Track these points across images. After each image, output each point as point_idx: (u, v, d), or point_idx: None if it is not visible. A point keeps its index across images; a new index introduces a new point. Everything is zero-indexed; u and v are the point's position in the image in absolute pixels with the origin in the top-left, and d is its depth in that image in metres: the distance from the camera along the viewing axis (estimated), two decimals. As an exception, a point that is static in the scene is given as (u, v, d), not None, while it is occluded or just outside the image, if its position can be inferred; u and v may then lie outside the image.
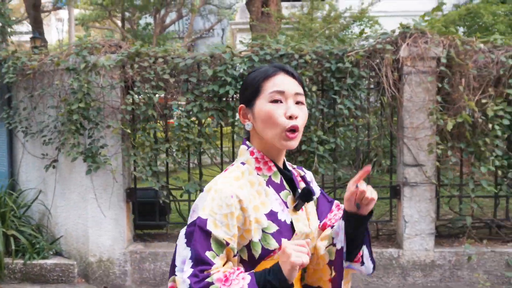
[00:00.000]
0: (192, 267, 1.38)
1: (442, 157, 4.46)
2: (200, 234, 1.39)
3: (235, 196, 1.41)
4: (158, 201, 4.62)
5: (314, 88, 4.38)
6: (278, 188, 1.52)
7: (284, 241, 1.40)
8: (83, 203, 4.69)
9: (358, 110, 4.43)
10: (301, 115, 1.48)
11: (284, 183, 1.54)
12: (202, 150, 4.47)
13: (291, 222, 1.49)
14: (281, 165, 1.57)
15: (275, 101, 1.46)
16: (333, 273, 1.56)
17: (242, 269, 1.43)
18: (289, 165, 1.64)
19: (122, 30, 25.67)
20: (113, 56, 4.44)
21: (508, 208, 4.72)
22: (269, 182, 1.51)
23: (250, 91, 1.51)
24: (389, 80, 4.35)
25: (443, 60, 4.27)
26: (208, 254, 1.38)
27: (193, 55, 4.46)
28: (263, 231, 1.44)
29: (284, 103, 1.46)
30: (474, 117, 4.29)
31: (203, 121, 4.48)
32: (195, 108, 4.37)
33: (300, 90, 1.51)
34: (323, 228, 1.65)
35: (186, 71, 4.46)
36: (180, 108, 4.41)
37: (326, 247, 1.58)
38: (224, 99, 4.50)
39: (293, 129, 1.45)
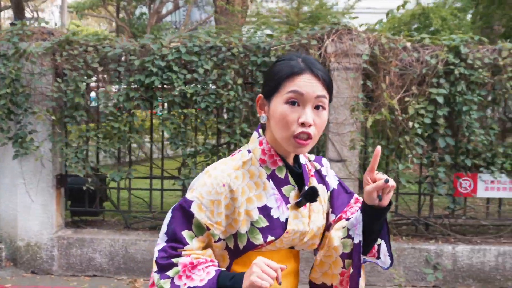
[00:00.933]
0: (165, 241, 1.39)
1: (362, 153, 4.51)
2: (181, 214, 1.40)
3: (227, 186, 1.40)
4: (91, 188, 4.68)
5: (239, 81, 4.43)
6: (280, 183, 1.47)
7: (259, 257, 1.31)
8: (14, 188, 4.76)
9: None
10: (318, 122, 1.40)
11: (289, 178, 1.49)
12: (127, 139, 4.51)
13: (286, 220, 1.45)
14: (290, 159, 1.51)
15: (292, 103, 1.38)
16: (351, 270, 1.51)
17: (215, 262, 1.41)
18: (305, 157, 1.59)
19: (117, 19, 25.68)
20: (44, 43, 4.49)
21: (432, 205, 4.78)
22: (271, 176, 1.47)
23: (270, 85, 1.44)
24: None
25: (365, 57, 4.31)
26: (185, 233, 1.38)
27: (122, 45, 4.51)
28: (252, 224, 1.42)
29: (301, 107, 1.38)
30: (395, 115, 4.33)
31: (132, 111, 4.53)
32: (121, 97, 4.42)
33: (323, 93, 1.40)
34: (338, 220, 1.60)
35: (116, 60, 4.51)
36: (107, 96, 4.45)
37: (340, 239, 1.53)
38: (152, 88, 4.55)
39: (303, 137, 1.38)
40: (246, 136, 4.45)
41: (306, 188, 1.48)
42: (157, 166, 4.86)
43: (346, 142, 4.48)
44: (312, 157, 1.65)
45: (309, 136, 1.38)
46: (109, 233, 4.84)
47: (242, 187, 1.42)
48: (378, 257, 1.52)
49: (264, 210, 1.43)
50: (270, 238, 1.42)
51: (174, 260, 1.36)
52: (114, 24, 26.26)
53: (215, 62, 4.43)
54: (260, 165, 1.47)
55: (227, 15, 8.06)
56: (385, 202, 1.42)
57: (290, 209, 1.47)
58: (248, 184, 1.44)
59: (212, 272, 1.35)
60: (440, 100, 4.32)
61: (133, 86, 4.50)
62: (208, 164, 4.48)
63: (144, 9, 27.20)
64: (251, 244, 1.42)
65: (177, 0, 26.23)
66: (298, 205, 1.47)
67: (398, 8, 7.69)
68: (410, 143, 4.34)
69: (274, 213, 1.44)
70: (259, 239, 1.42)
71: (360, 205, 1.55)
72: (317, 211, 1.54)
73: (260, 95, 1.49)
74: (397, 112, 4.30)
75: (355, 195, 1.66)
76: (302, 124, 1.37)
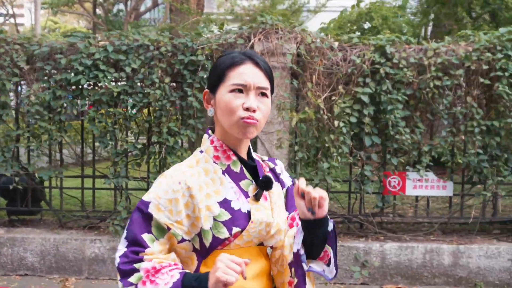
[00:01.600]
0: (126, 246, 1.37)
1: (290, 152, 4.54)
2: (139, 216, 1.39)
3: (183, 183, 1.40)
4: (19, 187, 4.65)
5: (167, 80, 4.42)
6: (237, 177, 1.49)
7: (222, 254, 1.33)
8: None
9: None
10: (262, 108, 1.45)
11: (245, 172, 1.51)
12: (54, 138, 4.48)
13: (249, 212, 1.46)
14: (243, 154, 1.54)
15: (236, 91, 1.43)
16: (295, 279, 1.51)
17: (179, 265, 1.40)
18: (256, 156, 1.62)
19: (92, 16, 25.48)
20: (-31, 41, 4.45)
21: (362, 204, 4.83)
22: (227, 171, 1.49)
23: (214, 77, 1.48)
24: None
25: (289, 57, 4.33)
26: (146, 236, 1.37)
27: (49, 43, 4.48)
28: (214, 219, 1.42)
29: (245, 94, 1.43)
30: (320, 114, 4.36)
31: (58, 109, 4.50)
32: (47, 96, 4.39)
33: (265, 84, 1.46)
34: (292, 220, 1.61)
35: (43, 58, 4.48)
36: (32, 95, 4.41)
37: (290, 246, 1.53)
38: (80, 87, 4.53)
39: (249, 122, 1.42)
40: (174, 135, 4.46)
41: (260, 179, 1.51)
42: (88, 165, 4.84)
43: (274, 141, 4.51)
44: (266, 157, 1.68)
45: (251, 122, 1.42)
46: (42, 232, 4.81)
47: (199, 184, 1.43)
48: (329, 263, 1.52)
49: (225, 203, 1.44)
50: (235, 229, 1.42)
51: (136, 265, 1.34)
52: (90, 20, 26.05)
53: (143, 61, 4.43)
54: (214, 162, 1.49)
55: (181, 14, 8.04)
56: (321, 214, 1.41)
57: (251, 202, 1.48)
58: (205, 181, 1.45)
59: (176, 275, 1.34)
60: (365, 99, 4.36)
61: (61, 85, 4.47)
62: (138, 164, 4.48)
63: (122, 6, 26.99)
64: (217, 240, 1.42)
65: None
66: (256, 197, 1.48)
67: (352, 7, 7.73)
68: (336, 142, 4.37)
69: (235, 205, 1.45)
70: (224, 233, 1.41)
71: None
72: (279, 205, 1.56)
73: (206, 90, 1.53)
74: (323, 111, 4.33)
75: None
76: (247, 109, 1.41)
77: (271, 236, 1.52)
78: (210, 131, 1.55)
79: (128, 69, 4.36)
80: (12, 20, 31.75)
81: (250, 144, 1.57)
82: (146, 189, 4.67)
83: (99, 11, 27.12)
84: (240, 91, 1.43)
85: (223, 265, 1.27)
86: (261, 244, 1.53)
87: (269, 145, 4.53)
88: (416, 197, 4.89)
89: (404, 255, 4.62)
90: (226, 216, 1.43)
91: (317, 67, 4.32)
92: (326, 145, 4.36)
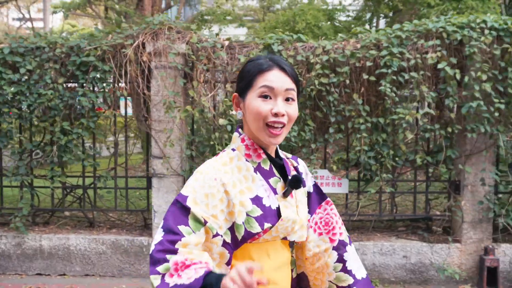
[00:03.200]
0: (162, 236, 1.41)
1: (189, 149, 4.61)
2: (177, 208, 1.44)
3: (219, 179, 1.47)
4: None
5: (61, 80, 4.57)
6: (267, 175, 1.57)
7: (240, 264, 1.26)
8: None
9: (103, 103, 4.61)
10: (290, 112, 1.52)
11: (274, 170, 1.59)
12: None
13: (278, 208, 1.54)
14: (272, 153, 1.61)
15: (265, 97, 1.50)
16: None
17: (210, 265, 1.39)
18: (282, 154, 1.68)
19: (103, 20, 26.00)
20: None
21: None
22: (258, 169, 1.56)
23: (243, 82, 1.55)
24: (133, 75, 4.52)
25: (171, 56, 4.41)
26: (182, 228, 1.41)
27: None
28: (247, 214, 1.48)
29: (273, 100, 1.50)
30: (204, 112, 4.43)
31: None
32: None
33: (292, 86, 1.53)
34: (312, 223, 1.70)
35: None
36: None
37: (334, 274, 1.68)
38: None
39: (277, 126, 1.50)
40: (66, 134, 4.60)
41: (290, 177, 1.58)
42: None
43: (168, 139, 4.59)
44: (289, 155, 1.74)
45: (283, 125, 1.50)
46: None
47: (233, 181, 1.50)
48: None
49: (257, 200, 1.51)
50: (266, 225, 1.50)
51: (167, 256, 1.37)
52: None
53: (39, 62, 4.59)
54: (246, 160, 1.56)
55: (139, 16, 8.20)
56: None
57: (279, 200, 1.55)
58: (238, 178, 1.52)
59: (201, 272, 1.34)
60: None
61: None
62: (38, 161, 4.64)
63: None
64: (249, 234, 1.48)
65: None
66: (285, 194, 1.56)
67: (284, 11, 7.75)
68: (223, 140, 4.43)
69: (266, 202, 1.52)
70: (256, 228, 1.48)
71: (332, 208, 1.73)
72: (303, 202, 1.65)
73: (235, 93, 1.60)
74: (207, 109, 4.40)
75: (328, 198, 1.76)
76: (275, 115, 1.49)
77: (295, 232, 1.59)
78: (240, 130, 1.62)
79: (22, 70, 4.52)
80: (29, 24, 32.68)
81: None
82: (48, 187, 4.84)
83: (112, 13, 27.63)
84: (268, 96, 1.50)
85: (235, 273, 1.23)
86: (284, 238, 1.60)
87: (163, 143, 4.61)
88: None
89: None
90: (258, 212, 1.49)
91: (202, 66, 4.39)
92: (211, 142, 4.42)
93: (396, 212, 5.11)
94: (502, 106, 4.20)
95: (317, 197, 1.73)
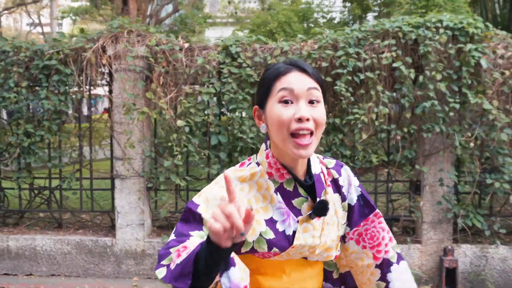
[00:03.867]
0: (172, 239, 1.34)
1: (151, 151, 4.66)
2: (189, 215, 1.37)
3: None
4: None
5: (24, 84, 4.66)
6: (290, 196, 1.43)
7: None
8: None
9: (64, 106, 4.68)
10: (316, 116, 1.34)
11: (300, 190, 1.44)
12: None
13: (293, 233, 1.41)
14: (300, 171, 1.45)
15: (285, 102, 1.34)
16: None
17: None
18: (321, 163, 1.53)
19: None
20: None
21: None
22: (279, 189, 1.43)
23: (261, 91, 1.42)
24: (94, 78, 4.59)
25: (129, 59, 4.47)
26: (195, 233, 1.33)
27: None
28: (261, 234, 1.39)
29: (295, 104, 1.34)
30: (162, 114, 4.48)
31: None
32: None
33: (314, 85, 1.36)
34: (358, 235, 1.56)
35: None
36: None
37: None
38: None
39: (302, 133, 1.33)
40: (30, 136, 4.68)
41: (316, 203, 1.42)
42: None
43: (129, 141, 4.65)
44: (332, 163, 1.56)
45: (311, 133, 1.34)
46: None
47: (247, 199, 1.40)
48: None
49: (271, 223, 1.40)
50: (274, 250, 1.39)
51: (171, 249, 1.29)
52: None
53: (3, 66, 4.68)
54: (269, 178, 1.43)
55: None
56: None
57: (301, 222, 1.42)
58: (255, 196, 1.41)
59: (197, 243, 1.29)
60: (206, 98, 4.44)
61: None
62: (5, 164, 4.72)
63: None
64: (255, 251, 1.40)
65: (175, 2, 26.73)
66: (310, 217, 1.42)
67: (259, 13, 7.76)
68: (182, 141, 4.47)
69: (280, 227, 1.41)
70: (263, 249, 1.39)
71: (381, 222, 1.57)
72: (332, 223, 1.48)
73: (255, 106, 1.46)
74: (165, 111, 4.44)
75: (377, 210, 1.58)
76: (299, 120, 1.32)
77: (316, 255, 1.47)
78: (268, 142, 1.47)
79: (-14, 75, 4.62)
80: (38, 29, 33.16)
81: (309, 160, 1.47)
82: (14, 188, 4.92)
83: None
84: (289, 101, 1.34)
85: (210, 218, 1.15)
86: (305, 258, 1.48)
87: (124, 145, 4.67)
88: None
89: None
90: (271, 235, 1.39)
91: (159, 68, 4.44)
92: (170, 144, 4.46)
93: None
94: (457, 106, 4.17)
95: (362, 209, 1.55)
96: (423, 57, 4.25)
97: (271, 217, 1.40)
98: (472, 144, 4.28)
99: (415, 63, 4.34)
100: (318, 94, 1.36)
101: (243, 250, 1.39)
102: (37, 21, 33.00)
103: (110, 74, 4.72)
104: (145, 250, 4.77)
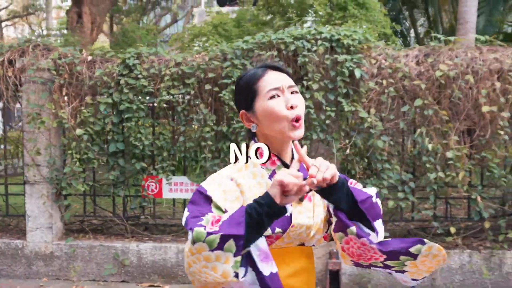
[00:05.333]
0: (189, 210, 1.47)
1: (49, 159, 4.93)
2: (200, 197, 1.50)
3: (235, 180, 1.54)
4: None
5: None
6: None
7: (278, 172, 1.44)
8: None
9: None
10: (300, 104, 1.56)
11: None
12: None
13: (291, 215, 1.55)
14: (287, 158, 1.62)
15: (273, 97, 1.54)
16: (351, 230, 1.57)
17: None
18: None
19: (106, 34, 26.87)
20: None
21: (125, 206, 5.13)
22: (272, 175, 1.57)
23: (246, 95, 1.59)
24: (2, 89, 4.89)
25: (30, 72, 4.76)
26: (207, 214, 1.45)
27: None
28: None
29: (282, 96, 1.55)
30: (62, 123, 4.75)
31: None
32: None
33: (292, 82, 1.59)
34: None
35: None
36: None
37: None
38: None
39: (297, 119, 1.54)
40: None
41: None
42: None
43: (34, 148, 4.92)
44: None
45: (299, 118, 1.54)
46: None
47: (248, 184, 1.55)
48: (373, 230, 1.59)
49: None
50: (277, 230, 1.52)
51: (203, 217, 1.43)
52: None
53: None
54: (261, 167, 1.59)
55: (79, 33, 8.65)
56: (333, 181, 1.47)
57: (294, 205, 1.56)
58: (253, 183, 1.56)
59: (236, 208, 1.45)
60: (102, 108, 4.70)
61: None
62: None
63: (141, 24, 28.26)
64: None
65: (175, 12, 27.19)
66: (300, 199, 1.57)
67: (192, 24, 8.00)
68: (81, 149, 4.73)
69: None
70: (267, 231, 1.48)
71: (357, 186, 1.67)
72: (319, 204, 1.64)
73: (242, 111, 1.63)
74: (65, 120, 4.71)
75: (351, 179, 1.73)
76: (291, 108, 1.53)
77: (312, 237, 1.61)
78: (256, 138, 1.65)
79: None
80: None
81: (292, 148, 1.64)
82: None
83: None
84: (277, 95, 1.55)
85: (285, 173, 1.38)
86: (301, 244, 1.62)
87: (33, 152, 4.95)
88: (174, 200, 5.14)
89: (158, 254, 4.88)
90: None
91: (59, 80, 4.72)
92: (70, 151, 4.73)
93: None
94: (333, 114, 4.36)
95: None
96: (302, 68, 4.45)
97: None
98: (348, 151, 4.45)
99: (296, 73, 4.54)
100: (296, 87, 1.59)
101: None
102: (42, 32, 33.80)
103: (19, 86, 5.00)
104: (53, 252, 5.02)
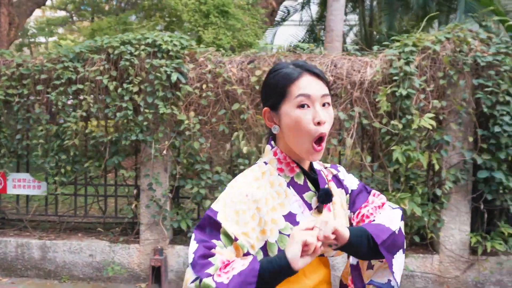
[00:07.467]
0: (197, 245, 1.35)
1: None
2: (209, 224, 1.38)
3: (250, 195, 1.40)
4: None
5: None
6: (301, 190, 1.49)
7: (295, 228, 1.35)
8: None
9: None
10: (329, 119, 1.44)
11: (309, 184, 1.51)
12: None
13: None
14: (306, 166, 1.54)
15: (302, 106, 1.42)
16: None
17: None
18: (319, 164, 1.63)
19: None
20: None
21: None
22: (291, 183, 1.49)
23: (274, 95, 1.47)
24: None
25: None
26: (215, 242, 1.35)
27: None
28: (280, 232, 1.41)
29: (312, 108, 1.42)
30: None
31: None
32: None
33: (327, 91, 1.46)
34: (362, 217, 1.61)
35: None
36: None
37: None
38: None
39: (321, 138, 1.43)
40: None
41: (319, 192, 1.50)
42: None
43: None
44: (328, 165, 1.68)
45: (323, 138, 1.44)
46: None
47: (265, 197, 1.43)
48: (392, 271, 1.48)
49: (290, 217, 1.44)
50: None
51: (211, 259, 1.32)
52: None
53: None
54: (279, 174, 1.50)
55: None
56: (341, 241, 1.38)
57: (314, 215, 1.48)
58: (271, 193, 1.45)
59: (249, 257, 1.34)
60: None
61: None
62: None
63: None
64: (282, 252, 1.36)
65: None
66: (319, 210, 1.49)
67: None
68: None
69: (300, 219, 1.45)
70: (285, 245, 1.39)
71: (380, 200, 1.64)
72: (340, 215, 1.56)
73: (266, 108, 1.51)
74: None
75: (373, 191, 1.69)
76: (318, 124, 1.41)
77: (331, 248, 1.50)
78: (272, 142, 1.55)
79: None
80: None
81: None
82: None
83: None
84: (306, 105, 1.42)
85: (304, 231, 1.29)
86: (321, 255, 1.52)
87: None
88: (17, 195, 5.33)
89: (-1, 248, 5.06)
90: (291, 230, 1.42)
91: None
92: None
93: (104, 213, 5.44)
94: (150, 116, 4.54)
95: (365, 194, 1.66)
96: (125, 71, 4.64)
97: (289, 212, 1.45)
98: (165, 152, 4.63)
99: (123, 77, 4.73)
100: (329, 98, 1.46)
101: (271, 255, 1.40)
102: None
103: None
104: None
